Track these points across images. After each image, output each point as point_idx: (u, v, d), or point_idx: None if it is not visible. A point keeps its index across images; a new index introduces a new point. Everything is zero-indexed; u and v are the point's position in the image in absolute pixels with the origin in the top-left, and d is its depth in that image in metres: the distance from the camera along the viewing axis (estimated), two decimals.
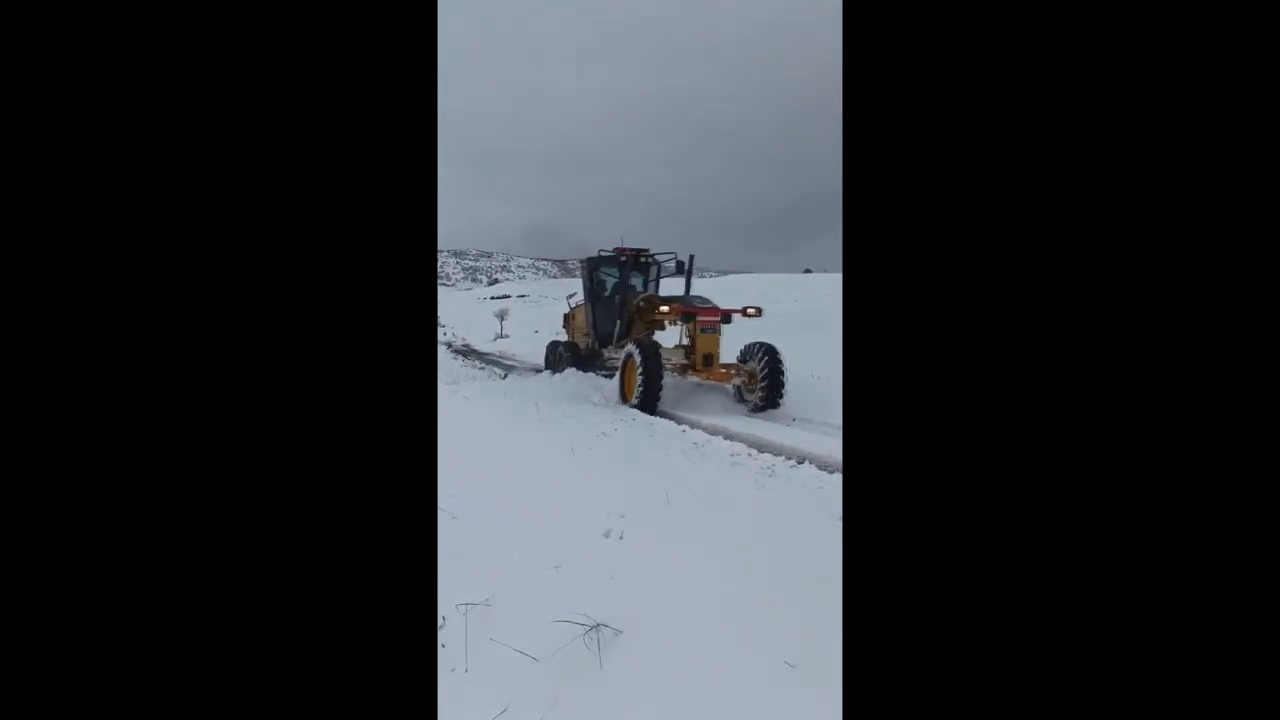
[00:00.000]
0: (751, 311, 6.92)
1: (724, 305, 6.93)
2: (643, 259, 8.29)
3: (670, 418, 5.81)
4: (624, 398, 6.57)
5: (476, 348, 17.83)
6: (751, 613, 1.82)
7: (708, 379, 6.68)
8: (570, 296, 10.08)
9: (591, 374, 8.10)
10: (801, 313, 17.89)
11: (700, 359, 6.60)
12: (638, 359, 6.17)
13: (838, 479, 3.43)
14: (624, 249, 8.27)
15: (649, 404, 6.05)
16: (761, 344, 6.37)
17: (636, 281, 8.32)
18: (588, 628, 1.76)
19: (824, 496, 3.12)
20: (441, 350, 14.98)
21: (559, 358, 8.99)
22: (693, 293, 7.77)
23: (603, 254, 8.37)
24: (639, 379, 6.13)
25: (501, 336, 21.33)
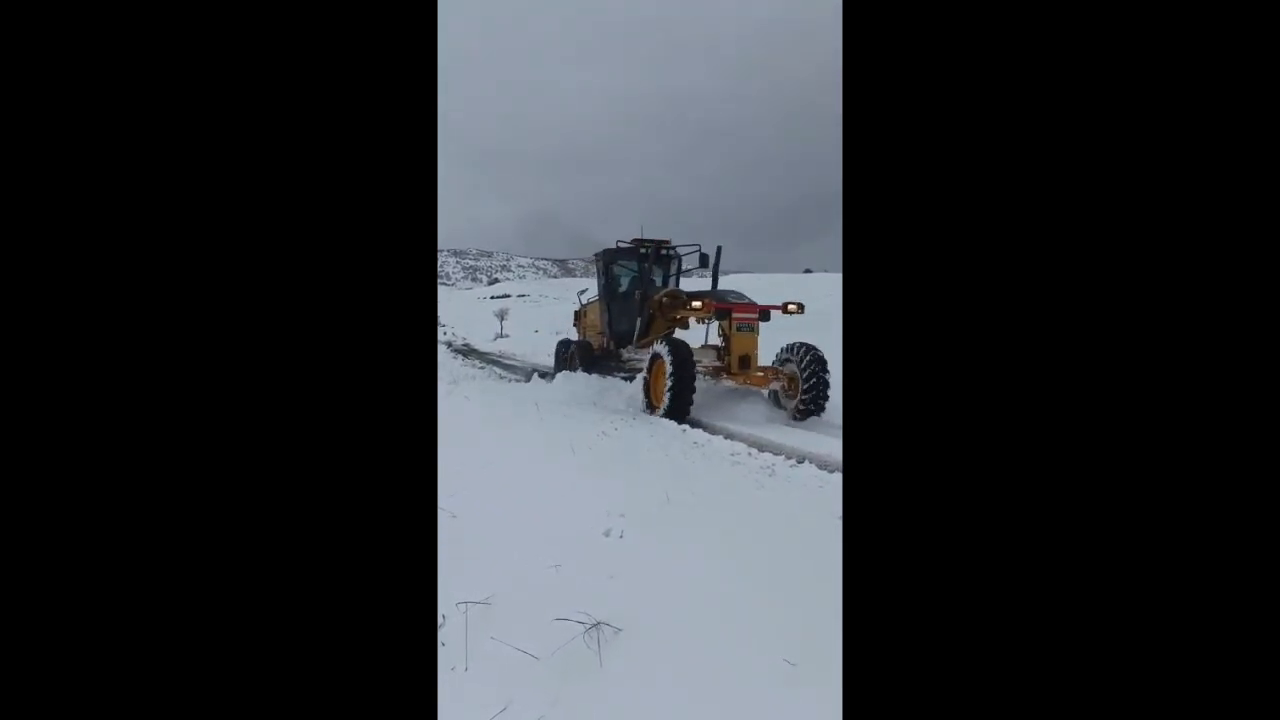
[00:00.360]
0: (793, 308, 6.04)
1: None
2: (664, 251, 7.54)
3: (700, 426, 5.14)
4: (650, 405, 5.84)
5: (476, 347, 17.85)
6: (751, 612, 1.83)
7: (744, 383, 5.94)
8: (582, 293, 9.48)
9: (612, 377, 7.38)
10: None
11: (736, 360, 5.85)
12: (668, 362, 5.46)
13: (838, 478, 3.44)
14: (643, 240, 7.51)
15: (679, 412, 5.37)
16: (803, 344, 5.70)
17: (656, 276, 7.53)
18: (588, 626, 1.76)
19: (824, 496, 3.12)
20: (441, 350, 14.98)
21: (570, 357, 8.32)
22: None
23: (620, 245, 7.66)
24: (668, 383, 5.42)
25: (501, 336, 21.35)
